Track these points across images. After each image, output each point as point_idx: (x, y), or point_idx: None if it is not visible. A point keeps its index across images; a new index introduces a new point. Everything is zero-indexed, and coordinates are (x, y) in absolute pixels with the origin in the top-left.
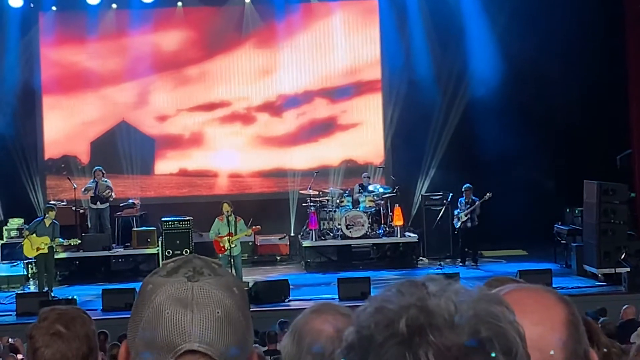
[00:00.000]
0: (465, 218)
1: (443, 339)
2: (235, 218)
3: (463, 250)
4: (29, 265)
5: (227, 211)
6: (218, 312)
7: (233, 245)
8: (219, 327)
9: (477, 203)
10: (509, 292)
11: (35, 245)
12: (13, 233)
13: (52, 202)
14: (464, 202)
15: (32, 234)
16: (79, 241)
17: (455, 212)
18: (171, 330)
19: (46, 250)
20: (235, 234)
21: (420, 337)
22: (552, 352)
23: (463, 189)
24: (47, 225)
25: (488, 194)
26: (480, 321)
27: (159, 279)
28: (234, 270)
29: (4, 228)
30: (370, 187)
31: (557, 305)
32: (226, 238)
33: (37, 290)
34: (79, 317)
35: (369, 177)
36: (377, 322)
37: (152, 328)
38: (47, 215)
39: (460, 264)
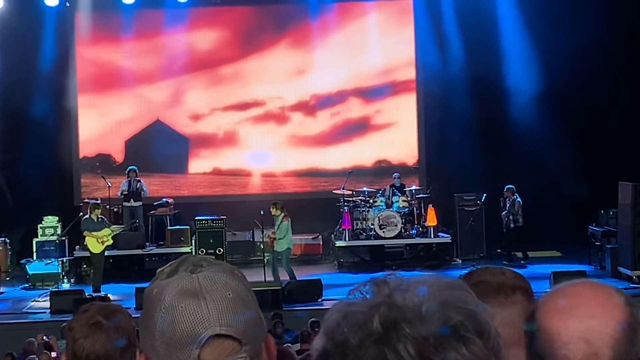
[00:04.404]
0: (508, 219)
1: (418, 329)
2: (282, 218)
3: (505, 249)
4: (63, 263)
5: (274, 211)
6: (229, 294)
7: (268, 242)
8: (233, 308)
9: (516, 203)
10: (574, 284)
11: (100, 240)
12: (48, 231)
13: (94, 200)
14: (508, 202)
15: (89, 232)
16: (137, 221)
17: (503, 213)
18: (190, 322)
19: (111, 242)
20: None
21: (396, 332)
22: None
23: (505, 190)
24: (96, 221)
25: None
26: (448, 307)
27: (162, 282)
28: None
29: (39, 226)
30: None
31: (619, 304)
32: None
33: (92, 290)
34: (119, 311)
35: (399, 178)
36: (349, 325)
37: (170, 326)
38: (93, 212)
39: (505, 262)
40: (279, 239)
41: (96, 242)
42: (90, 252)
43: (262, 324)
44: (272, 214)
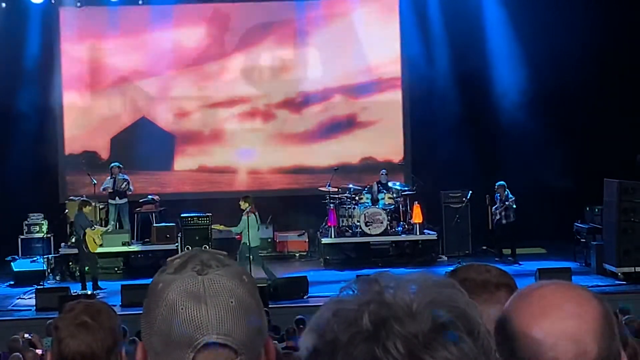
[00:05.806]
0: (500, 216)
1: (408, 327)
2: (246, 211)
3: (495, 246)
4: (49, 261)
5: (243, 204)
6: (232, 302)
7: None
8: (234, 317)
9: (508, 202)
10: (543, 286)
11: (95, 241)
12: (33, 228)
13: (80, 197)
14: (498, 198)
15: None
16: (114, 223)
17: (493, 208)
18: (188, 325)
19: (102, 241)
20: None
21: (385, 329)
22: None
23: (496, 187)
24: (87, 219)
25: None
26: (438, 306)
27: (168, 277)
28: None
29: (24, 223)
30: (390, 184)
31: (592, 300)
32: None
33: (92, 286)
34: (104, 310)
35: (386, 174)
36: (339, 323)
37: (168, 325)
38: (83, 209)
39: (497, 259)
40: (237, 233)
41: (94, 242)
42: (87, 250)
43: (263, 333)
44: (241, 207)
